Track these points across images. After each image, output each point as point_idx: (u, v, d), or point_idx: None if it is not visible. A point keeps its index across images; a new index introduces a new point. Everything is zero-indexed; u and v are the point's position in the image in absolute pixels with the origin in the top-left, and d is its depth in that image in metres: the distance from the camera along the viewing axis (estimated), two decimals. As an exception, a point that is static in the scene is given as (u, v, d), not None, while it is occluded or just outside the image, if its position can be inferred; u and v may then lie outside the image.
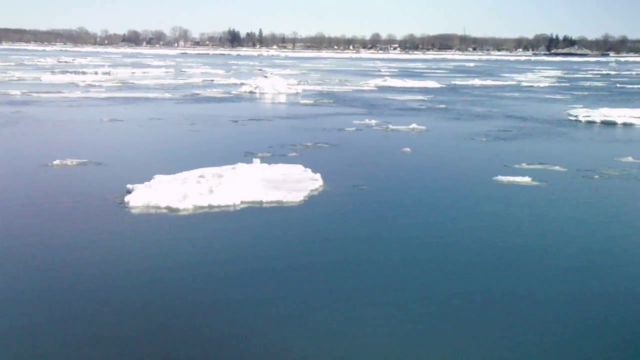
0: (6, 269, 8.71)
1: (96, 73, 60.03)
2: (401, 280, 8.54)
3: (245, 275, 8.65)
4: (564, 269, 9.12)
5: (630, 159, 18.10)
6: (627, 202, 13.30)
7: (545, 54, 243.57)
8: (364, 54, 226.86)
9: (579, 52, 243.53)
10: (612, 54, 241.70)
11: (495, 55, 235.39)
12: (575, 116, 28.42)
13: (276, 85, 42.44)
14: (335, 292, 8.08)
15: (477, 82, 59.75)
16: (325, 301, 7.81)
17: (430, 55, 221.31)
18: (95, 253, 9.42)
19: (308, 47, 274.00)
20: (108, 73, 61.25)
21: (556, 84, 60.55)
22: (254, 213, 11.90)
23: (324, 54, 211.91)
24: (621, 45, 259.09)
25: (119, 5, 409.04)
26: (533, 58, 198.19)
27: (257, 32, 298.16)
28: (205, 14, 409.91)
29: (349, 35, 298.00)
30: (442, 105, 34.03)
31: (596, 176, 15.62)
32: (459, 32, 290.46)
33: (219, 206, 12.16)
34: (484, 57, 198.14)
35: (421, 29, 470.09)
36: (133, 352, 6.51)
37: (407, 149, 18.83)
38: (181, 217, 11.56)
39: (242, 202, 12.44)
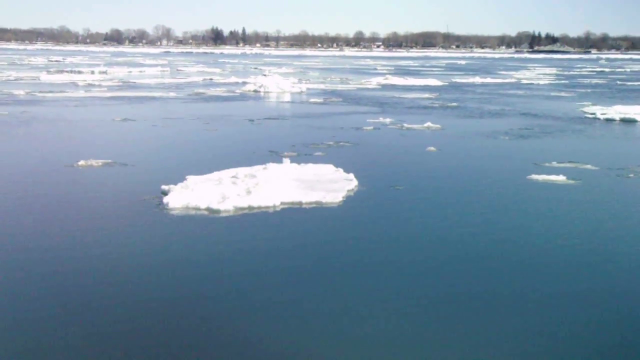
0: (50, 273, 8.51)
1: (93, 72, 59.58)
2: (447, 281, 8.44)
3: (298, 278, 8.51)
4: (615, 271, 9.02)
5: (659, 156, 18.10)
6: (670, 200, 13.25)
7: (528, 51, 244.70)
8: (348, 52, 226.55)
9: (561, 49, 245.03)
10: (593, 51, 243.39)
11: (478, 52, 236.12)
12: (593, 114, 28.43)
13: (280, 83, 42.29)
14: (390, 295, 7.95)
15: (478, 79, 59.84)
16: (378, 305, 7.68)
17: (414, 53, 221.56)
18: (142, 257, 9.26)
19: (292, 46, 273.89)
20: (105, 72, 60.83)
21: (556, 82, 60.76)
22: (296, 214, 11.77)
23: (307, 52, 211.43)
24: (602, 43, 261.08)
25: (100, 3, 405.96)
26: (516, 55, 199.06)
27: (240, 31, 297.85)
28: (188, 12, 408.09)
29: (332, 33, 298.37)
30: (453, 104, 33.99)
31: (631, 175, 15.58)
32: (442, 30, 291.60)
33: (259, 207, 12.01)
34: (468, 55, 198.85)
35: (404, 27, 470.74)
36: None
37: (432, 148, 18.73)
38: (223, 218, 11.40)
39: (281, 203, 12.29)
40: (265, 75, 57.17)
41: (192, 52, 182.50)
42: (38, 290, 7.95)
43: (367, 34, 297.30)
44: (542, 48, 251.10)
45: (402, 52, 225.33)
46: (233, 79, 51.72)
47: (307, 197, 12.70)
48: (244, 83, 46.61)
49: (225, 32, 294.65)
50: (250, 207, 11.99)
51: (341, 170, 14.90)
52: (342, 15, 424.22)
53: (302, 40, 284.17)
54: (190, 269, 8.77)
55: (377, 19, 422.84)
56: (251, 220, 11.30)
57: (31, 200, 12.19)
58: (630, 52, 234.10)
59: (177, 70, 70.23)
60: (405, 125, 24.21)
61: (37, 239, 9.88)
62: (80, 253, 9.29)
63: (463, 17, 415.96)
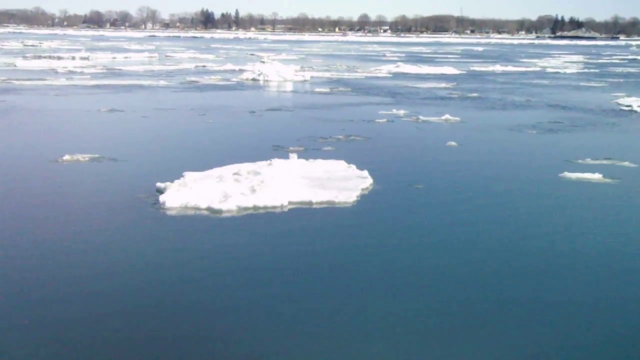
0: (38, 279, 8.50)
1: (73, 58, 59.61)
2: (472, 290, 8.43)
3: (309, 285, 8.50)
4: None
5: None
6: None
7: (550, 37, 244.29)
8: (352, 37, 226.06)
9: (586, 35, 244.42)
10: (622, 37, 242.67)
11: (495, 38, 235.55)
12: (628, 106, 28.42)
13: (281, 71, 42.27)
14: (409, 305, 7.95)
15: (498, 68, 59.81)
16: (395, 316, 7.67)
17: (425, 38, 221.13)
18: (137, 261, 9.25)
19: (289, 30, 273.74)
20: (87, 58, 60.84)
21: (585, 70, 60.75)
22: (305, 215, 11.75)
23: (307, 37, 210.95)
24: (632, 28, 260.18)
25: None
26: (537, 41, 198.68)
27: (233, 13, 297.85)
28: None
29: (334, 16, 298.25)
30: (473, 94, 33.98)
31: (674, 173, 15.57)
32: (456, 13, 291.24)
33: (265, 207, 11.99)
34: (484, 41, 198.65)
35: (414, 10, 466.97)
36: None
37: (453, 143, 18.71)
38: (225, 219, 11.39)
39: (289, 203, 12.28)
40: (263, 62, 57.09)
41: (179, 37, 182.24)
42: (27, 297, 7.94)
43: (373, 17, 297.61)
44: (565, 33, 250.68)
45: (412, 38, 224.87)
46: (229, 66, 51.74)
47: (318, 196, 12.68)
48: (241, 71, 46.62)
49: (217, 15, 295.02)
50: (255, 207, 11.98)
51: (354, 166, 14.88)
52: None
53: (300, 24, 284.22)
54: (191, 274, 8.75)
55: (383, 1, 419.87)
56: (256, 222, 11.29)
57: (12, 201, 12.18)
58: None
59: (166, 56, 70.29)
60: (421, 117, 24.21)
61: (20, 244, 9.86)
62: (69, 258, 9.28)
63: (478, 0, 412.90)
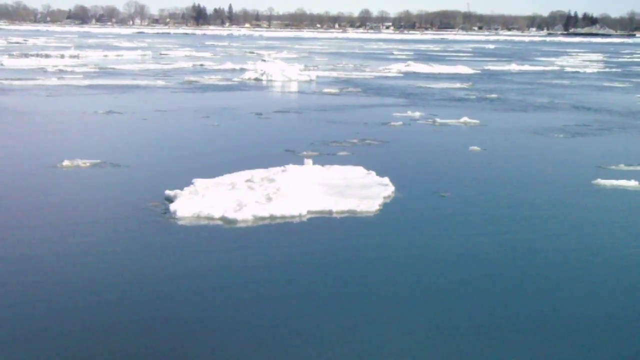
0: (43, 291, 8.47)
1: (62, 56, 59.67)
2: (502, 303, 8.40)
3: (334, 301, 8.46)
4: None
5: None
6: None
7: (562, 34, 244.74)
8: (352, 33, 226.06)
9: (601, 32, 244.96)
10: (638, 34, 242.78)
11: (504, 35, 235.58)
12: (658, 108, 28.43)
13: (285, 71, 42.27)
14: (439, 324, 7.91)
15: (514, 67, 59.87)
16: (424, 336, 7.63)
17: (429, 35, 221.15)
18: (150, 274, 9.19)
19: (286, 26, 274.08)
20: (77, 56, 60.92)
21: (606, 70, 60.82)
22: (326, 225, 11.71)
23: (305, 33, 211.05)
24: None
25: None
26: (549, 39, 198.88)
27: (226, 8, 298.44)
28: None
29: (333, 12, 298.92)
30: (491, 95, 33.97)
31: None
32: (462, 9, 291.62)
33: (282, 217, 11.95)
34: (492, 38, 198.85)
35: (418, 5, 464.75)
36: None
37: (476, 148, 18.69)
38: (241, 229, 11.35)
39: (308, 212, 12.24)
40: (264, 60, 57.25)
41: (170, 33, 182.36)
42: (31, 310, 7.90)
43: (375, 12, 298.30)
44: (579, 30, 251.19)
45: (416, 34, 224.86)
46: (228, 65, 51.76)
47: (338, 205, 12.64)
48: (242, 70, 46.65)
49: (209, 10, 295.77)
50: (272, 217, 11.94)
51: (373, 173, 14.84)
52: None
53: (298, 20, 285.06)
54: (209, 288, 8.71)
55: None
56: (274, 233, 11.25)
57: (11, 210, 12.12)
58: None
59: (161, 54, 70.35)
60: (438, 120, 24.19)
61: (22, 256, 9.81)
62: (76, 270, 9.24)
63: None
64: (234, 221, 11.68)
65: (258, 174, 14.29)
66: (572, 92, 36.94)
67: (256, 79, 40.49)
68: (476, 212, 12.60)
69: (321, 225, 11.68)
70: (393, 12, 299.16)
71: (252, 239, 10.91)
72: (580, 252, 10.52)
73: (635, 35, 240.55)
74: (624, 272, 9.69)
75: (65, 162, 15.58)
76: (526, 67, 60.29)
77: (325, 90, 35.04)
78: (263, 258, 9.97)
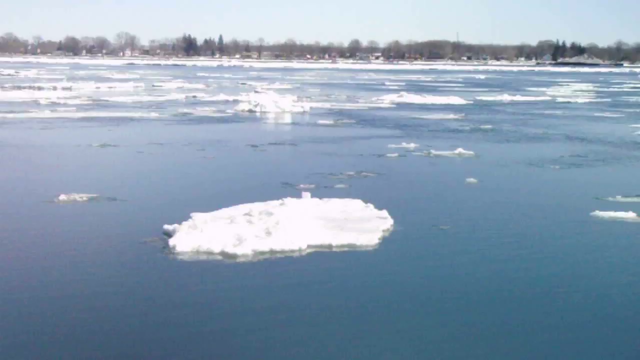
0: (42, 329, 8.40)
1: (55, 88, 59.83)
2: (505, 343, 8.39)
3: (341, 336, 8.42)
4: None
5: None
6: None
7: (550, 64, 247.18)
8: (343, 64, 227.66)
9: (589, 61, 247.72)
10: (626, 63, 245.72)
11: (493, 65, 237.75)
12: (654, 139, 28.63)
13: (278, 102, 42.43)
14: None
15: (506, 97, 60.30)
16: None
17: (419, 65, 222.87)
18: (151, 311, 9.14)
19: (276, 57, 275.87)
20: (69, 88, 61.06)
21: (597, 100, 61.37)
22: (326, 259, 11.71)
23: (295, 64, 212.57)
24: (636, 54, 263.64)
25: (54, 8, 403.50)
26: (537, 68, 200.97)
27: (216, 39, 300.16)
28: (156, 18, 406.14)
29: (323, 42, 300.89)
30: (485, 126, 34.15)
31: None
32: (452, 39, 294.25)
33: (282, 251, 11.93)
34: (482, 68, 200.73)
35: (407, 36, 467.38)
36: None
37: (472, 180, 18.73)
38: (241, 264, 11.32)
39: (308, 246, 12.23)
40: (257, 91, 57.47)
41: (160, 64, 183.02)
42: (29, 348, 7.83)
43: (364, 43, 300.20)
44: (567, 60, 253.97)
45: (405, 65, 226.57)
46: (221, 97, 51.95)
47: (337, 238, 12.63)
48: (235, 101, 46.79)
49: (199, 41, 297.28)
50: (272, 251, 11.91)
51: (371, 206, 14.84)
52: (334, 22, 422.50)
53: (288, 50, 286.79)
54: (213, 325, 8.67)
55: (375, 25, 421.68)
56: (275, 267, 11.24)
57: (8, 245, 12.05)
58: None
59: (153, 86, 70.50)
60: (433, 151, 24.26)
61: (20, 293, 9.73)
62: (79, 308, 9.17)
63: (475, 25, 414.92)
64: (234, 256, 11.66)
65: (256, 207, 14.26)
66: (565, 123, 37.19)
67: (250, 111, 40.61)
68: (476, 245, 12.60)
69: (322, 260, 11.66)
70: (382, 42, 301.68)
71: (253, 274, 10.88)
72: (588, 285, 10.53)
73: (622, 64, 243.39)
74: (631, 308, 9.69)
75: (62, 197, 15.52)
76: (518, 98, 60.72)
77: (320, 121, 35.17)
78: (266, 293, 9.93)
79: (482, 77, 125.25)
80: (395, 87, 74.55)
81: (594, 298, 10.00)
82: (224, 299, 9.68)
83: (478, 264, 11.47)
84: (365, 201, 15.08)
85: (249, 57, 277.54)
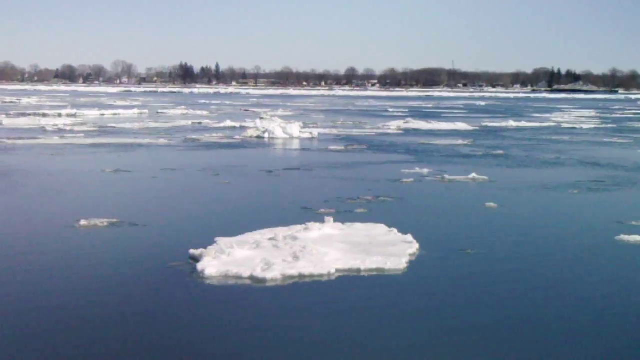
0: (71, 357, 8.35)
1: (60, 115, 60.04)
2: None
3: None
4: None
5: None
6: None
7: (546, 91, 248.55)
8: (340, 91, 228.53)
9: (584, 88, 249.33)
10: (621, 90, 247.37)
11: (489, 92, 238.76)
12: (666, 163, 28.70)
13: (287, 128, 42.53)
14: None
15: (512, 123, 60.39)
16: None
17: (415, 92, 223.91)
18: (185, 335, 9.11)
19: (273, 84, 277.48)
20: (74, 115, 61.27)
21: (602, 126, 61.58)
22: (356, 283, 11.70)
23: (292, 91, 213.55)
24: (631, 81, 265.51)
25: (50, 36, 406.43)
26: (533, 95, 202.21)
27: (213, 67, 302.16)
28: (152, 46, 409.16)
29: (320, 69, 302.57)
30: (497, 151, 34.18)
31: None
32: (447, 66, 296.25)
33: (311, 275, 11.90)
34: (477, 94, 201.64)
35: (403, 63, 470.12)
36: None
37: (492, 204, 18.72)
38: (272, 289, 11.29)
39: (337, 270, 12.20)
40: (262, 118, 57.65)
41: (157, 91, 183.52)
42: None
43: (361, 70, 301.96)
44: (562, 87, 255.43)
45: (402, 92, 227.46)
46: (228, 123, 52.03)
47: (365, 263, 12.61)
48: (243, 127, 46.94)
49: (196, 69, 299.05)
50: (300, 276, 11.88)
51: (395, 230, 14.85)
52: (331, 49, 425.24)
53: (284, 78, 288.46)
54: (247, 351, 8.62)
55: (371, 53, 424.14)
56: (305, 292, 11.23)
57: (33, 271, 11.99)
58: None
59: (157, 112, 70.77)
60: (447, 176, 24.26)
61: (48, 320, 9.68)
62: (110, 335, 9.13)
63: (471, 53, 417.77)
64: (263, 280, 11.62)
65: (281, 232, 14.30)
66: (574, 148, 37.27)
67: (258, 137, 40.70)
68: (503, 269, 12.61)
69: (351, 284, 11.64)
70: (378, 69, 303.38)
71: (284, 298, 10.85)
72: (622, 313, 10.49)
73: (617, 91, 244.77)
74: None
75: (82, 222, 15.50)
76: (523, 124, 60.88)
77: (330, 147, 35.25)
78: (296, 317, 9.94)
79: (483, 103, 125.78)
80: (399, 114, 74.84)
81: (629, 325, 9.97)
82: (258, 324, 9.65)
83: (511, 290, 11.44)
84: (389, 225, 15.11)
85: (245, 84, 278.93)
